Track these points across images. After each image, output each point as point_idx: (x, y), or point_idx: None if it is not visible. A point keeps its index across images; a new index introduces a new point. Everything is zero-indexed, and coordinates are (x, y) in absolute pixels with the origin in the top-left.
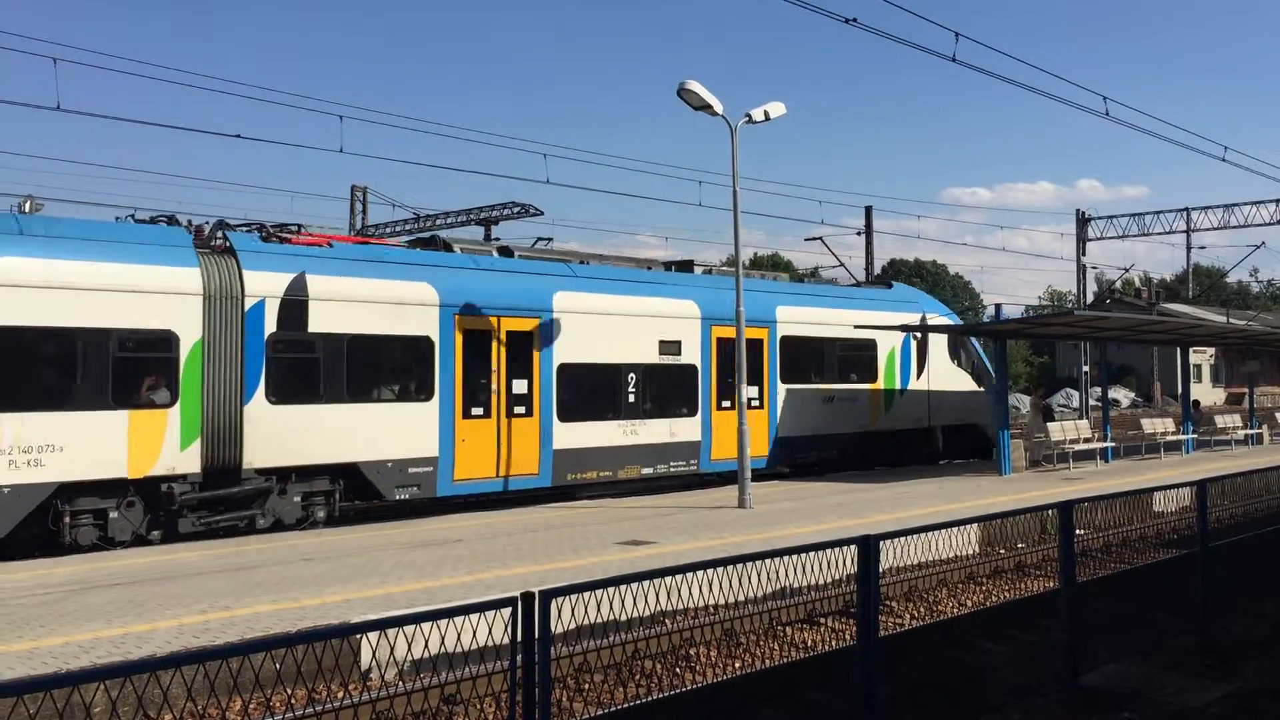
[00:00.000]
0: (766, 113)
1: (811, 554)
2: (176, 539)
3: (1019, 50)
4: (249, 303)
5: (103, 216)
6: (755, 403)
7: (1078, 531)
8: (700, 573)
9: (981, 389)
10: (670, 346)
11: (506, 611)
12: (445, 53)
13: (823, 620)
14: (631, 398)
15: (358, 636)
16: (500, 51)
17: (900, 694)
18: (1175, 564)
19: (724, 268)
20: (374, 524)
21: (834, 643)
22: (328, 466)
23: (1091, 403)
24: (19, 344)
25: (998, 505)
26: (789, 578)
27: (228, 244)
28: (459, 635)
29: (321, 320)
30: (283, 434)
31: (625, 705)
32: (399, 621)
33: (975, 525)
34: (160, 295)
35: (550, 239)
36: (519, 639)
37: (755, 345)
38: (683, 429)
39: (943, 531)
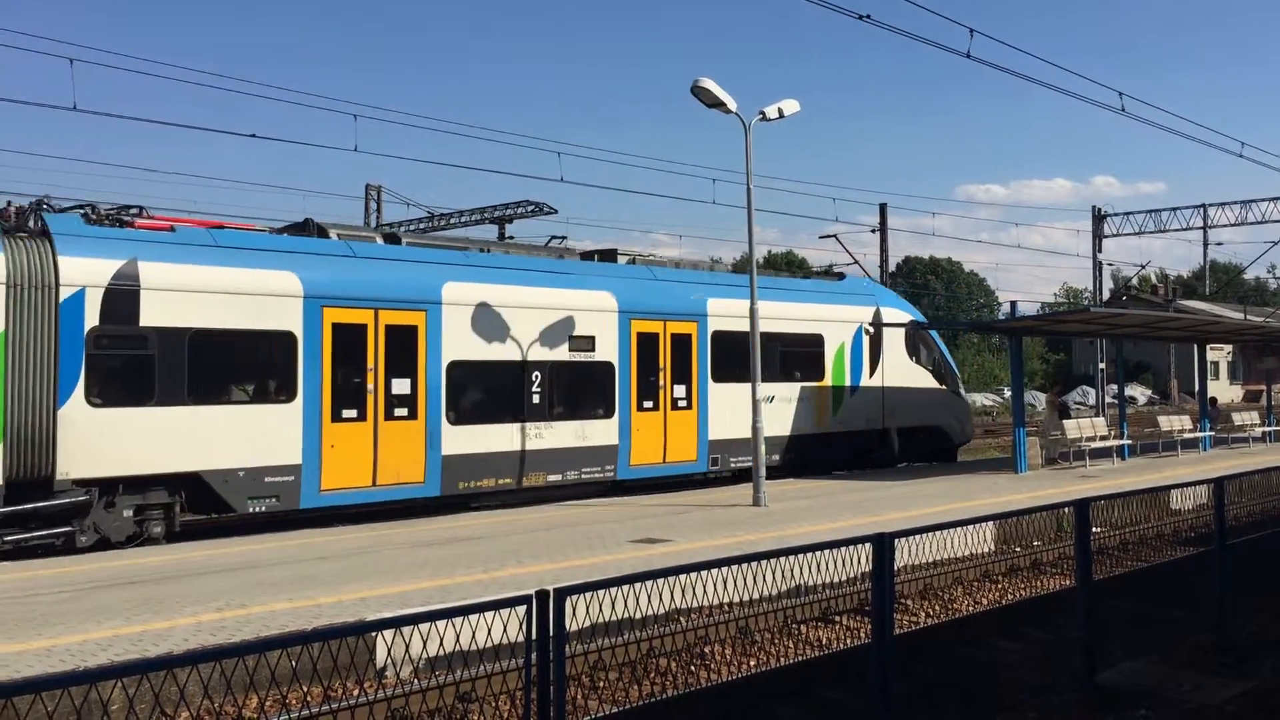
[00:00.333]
0: (780, 110)
1: (826, 552)
2: None
3: (1034, 46)
4: (65, 292)
5: None
6: (683, 403)
7: (1094, 529)
8: (715, 571)
9: (944, 388)
10: (582, 342)
11: (522, 609)
12: (458, 53)
13: (838, 618)
14: (536, 398)
15: (373, 634)
16: (513, 52)
17: (916, 692)
18: (1192, 562)
19: (650, 255)
20: (380, 523)
21: (849, 641)
22: (164, 476)
23: (1108, 400)
24: None
25: (1013, 503)
26: (804, 576)
27: (42, 226)
28: (474, 633)
29: (156, 312)
30: (106, 440)
31: (640, 703)
32: (414, 619)
33: (990, 523)
34: None
35: (564, 237)
36: (534, 637)
37: (682, 341)
38: (597, 432)
39: (958, 529)
